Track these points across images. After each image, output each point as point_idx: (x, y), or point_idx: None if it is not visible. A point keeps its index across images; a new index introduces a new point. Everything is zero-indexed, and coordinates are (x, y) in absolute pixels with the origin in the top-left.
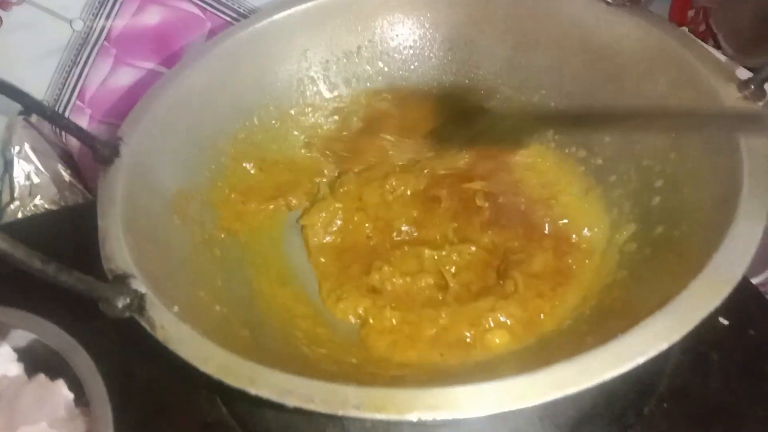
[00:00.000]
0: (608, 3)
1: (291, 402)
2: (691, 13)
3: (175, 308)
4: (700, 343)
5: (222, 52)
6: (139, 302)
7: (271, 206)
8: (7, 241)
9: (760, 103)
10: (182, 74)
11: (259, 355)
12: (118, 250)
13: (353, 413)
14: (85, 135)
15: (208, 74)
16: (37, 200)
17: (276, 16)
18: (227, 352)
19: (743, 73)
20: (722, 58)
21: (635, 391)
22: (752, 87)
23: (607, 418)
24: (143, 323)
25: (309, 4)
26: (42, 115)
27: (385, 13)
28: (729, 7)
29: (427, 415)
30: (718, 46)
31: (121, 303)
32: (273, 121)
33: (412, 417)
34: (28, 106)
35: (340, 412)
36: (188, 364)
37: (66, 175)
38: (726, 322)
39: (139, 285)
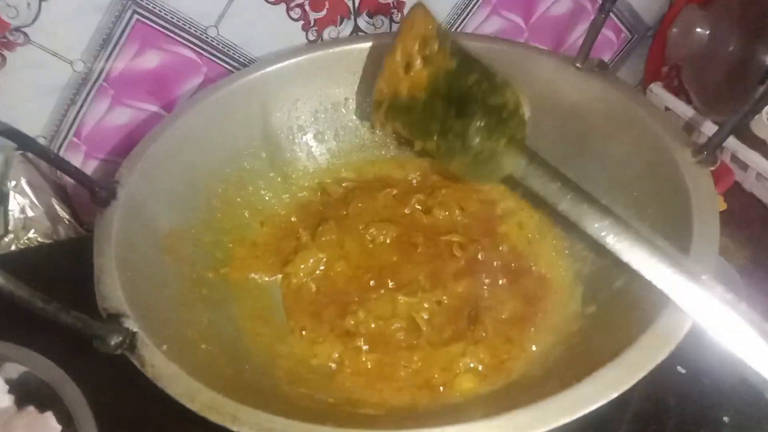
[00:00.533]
0: (577, 67)
1: None
2: (665, 69)
3: (164, 347)
4: (659, 390)
5: (217, 99)
6: (130, 340)
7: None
8: (11, 282)
9: (712, 168)
10: (179, 120)
11: (242, 392)
12: (112, 289)
13: None
14: (86, 179)
15: (203, 120)
16: (31, 234)
17: (269, 68)
18: (212, 390)
19: (710, 128)
20: (689, 113)
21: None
22: (705, 153)
23: None
24: (134, 361)
25: (301, 58)
26: (45, 158)
27: (373, 68)
28: (699, 66)
29: None
30: (689, 101)
31: (113, 341)
32: (263, 168)
33: None
34: (34, 150)
35: None
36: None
37: (59, 210)
38: (683, 371)
39: (131, 324)
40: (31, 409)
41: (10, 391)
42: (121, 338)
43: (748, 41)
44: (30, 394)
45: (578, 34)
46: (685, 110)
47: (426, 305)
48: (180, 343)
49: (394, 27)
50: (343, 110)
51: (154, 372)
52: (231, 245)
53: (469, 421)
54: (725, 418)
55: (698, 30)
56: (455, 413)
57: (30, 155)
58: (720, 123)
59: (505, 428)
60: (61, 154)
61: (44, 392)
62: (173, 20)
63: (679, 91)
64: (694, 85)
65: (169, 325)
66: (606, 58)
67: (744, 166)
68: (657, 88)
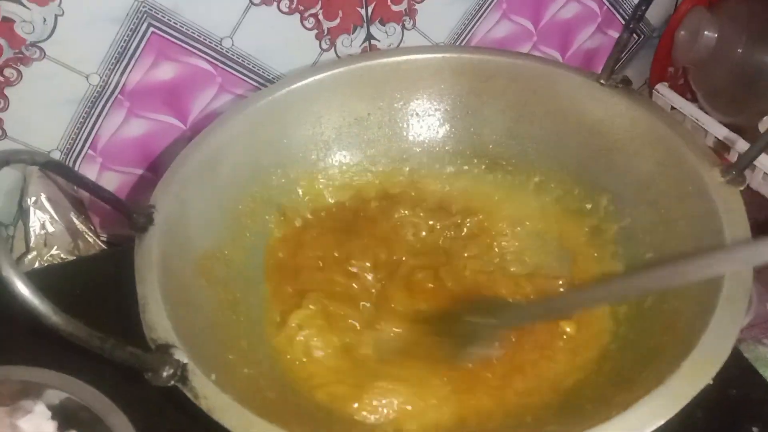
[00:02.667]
0: (602, 84)
1: None
2: (671, 69)
3: (213, 376)
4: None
5: (242, 119)
6: (182, 372)
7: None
8: (71, 324)
9: (740, 188)
10: (207, 140)
11: (288, 417)
12: (159, 318)
13: None
14: (122, 205)
15: (230, 140)
16: (54, 250)
17: (294, 86)
18: (266, 421)
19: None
20: (696, 114)
21: None
22: (733, 173)
23: None
24: (187, 393)
25: (323, 75)
26: (85, 188)
27: (394, 83)
28: (707, 69)
29: None
30: (695, 100)
31: (165, 373)
32: (289, 184)
33: None
34: (75, 181)
35: None
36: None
37: (78, 224)
38: (710, 381)
39: (180, 355)
40: None
41: (53, 417)
42: (172, 370)
43: (757, 44)
44: (71, 418)
45: (585, 37)
46: (692, 110)
47: None
48: (225, 370)
49: (406, 34)
50: (366, 124)
51: (208, 404)
52: (262, 263)
53: None
54: (754, 429)
55: (706, 33)
56: None
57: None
58: (730, 125)
59: None
60: (77, 167)
61: (84, 417)
62: (188, 32)
63: (684, 91)
64: (702, 88)
65: (211, 351)
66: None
67: (752, 167)
68: (663, 89)
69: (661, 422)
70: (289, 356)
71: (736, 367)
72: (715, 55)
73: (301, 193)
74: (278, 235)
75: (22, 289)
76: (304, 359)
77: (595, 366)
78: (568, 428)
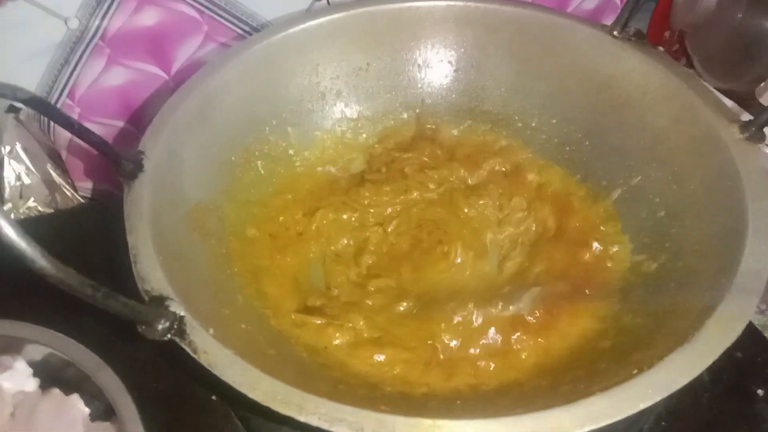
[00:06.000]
0: (614, 36)
1: (341, 430)
2: (666, 34)
3: (211, 330)
4: None
5: (237, 64)
6: (179, 325)
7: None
8: (61, 270)
9: (760, 145)
10: (198, 87)
11: (292, 375)
12: (152, 269)
13: None
14: (110, 149)
15: (222, 86)
16: (30, 203)
17: (290, 30)
18: (273, 377)
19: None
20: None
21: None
22: (753, 129)
23: None
24: (185, 347)
25: (322, 19)
26: (69, 128)
27: (395, 33)
28: (704, 34)
29: None
30: (690, 66)
31: (161, 326)
32: (285, 135)
33: None
34: (58, 119)
35: None
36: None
37: (55, 176)
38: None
39: (177, 307)
40: (56, 392)
41: (35, 375)
42: (168, 323)
43: (757, 9)
44: (52, 376)
45: None
46: None
47: None
48: (222, 325)
49: None
50: (365, 75)
51: (209, 359)
52: (256, 217)
53: (551, 408)
54: (759, 391)
55: None
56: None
57: (23, 118)
58: (726, 91)
59: (579, 416)
60: None
61: (69, 374)
62: None
63: (679, 56)
64: (699, 53)
65: (207, 305)
66: (609, 21)
67: None
68: None
69: (687, 381)
70: None
71: (743, 332)
72: (713, 20)
73: (295, 146)
74: (271, 191)
75: (7, 229)
76: None
77: (609, 325)
78: (584, 386)
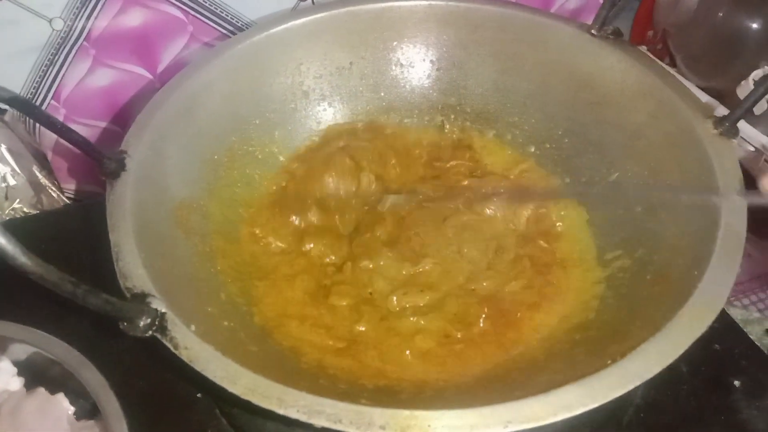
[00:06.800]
0: (593, 34)
1: (319, 422)
2: (650, 33)
3: (192, 327)
4: None
5: (220, 63)
6: (160, 321)
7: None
8: (41, 266)
9: (734, 140)
10: (182, 86)
11: (274, 372)
12: (134, 267)
13: None
14: (92, 149)
15: (206, 85)
16: (16, 204)
17: (273, 30)
18: (253, 372)
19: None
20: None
21: (615, 402)
22: (727, 124)
23: (590, 429)
24: (167, 343)
25: (305, 19)
26: (52, 129)
27: (377, 32)
28: (686, 33)
29: None
30: (673, 64)
31: (142, 323)
32: (268, 134)
33: None
34: (40, 119)
35: None
36: (195, 377)
37: (41, 177)
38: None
39: (158, 304)
40: (41, 390)
41: (19, 374)
42: (149, 320)
43: (738, 8)
44: (37, 375)
45: None
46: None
47: None
48: (205, 322)
49: None
50: (348, 75)
51: (189, 354)
52: (240, 215)
53: (526, 398)
54: (736, 383)
55: None
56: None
57: (8, 120)
58: (708, 89)
59: (553, 404)
60: None
61: (54, 373)
62: None
63: (663, 55)
64: (682, 51)
65: (189, 302)
66: (590, 20)
67: None
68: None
69: (659, 369)
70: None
71: (720, 323)
72: (696, 19)
73: (279, 144)
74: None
75: None
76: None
77: (584, 317)
78: (561, 377)
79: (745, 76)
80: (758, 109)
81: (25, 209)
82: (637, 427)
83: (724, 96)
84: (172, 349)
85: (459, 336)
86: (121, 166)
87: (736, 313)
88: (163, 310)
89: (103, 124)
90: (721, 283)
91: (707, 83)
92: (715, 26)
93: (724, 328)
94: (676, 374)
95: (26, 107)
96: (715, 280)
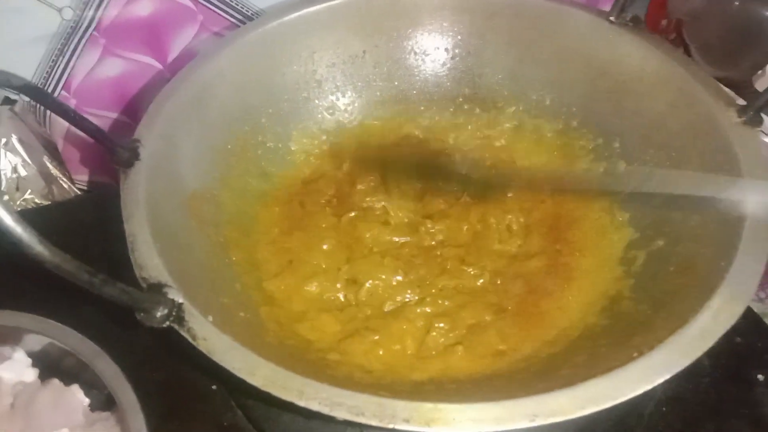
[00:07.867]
0: (611, 21)
1: (341, 415)
2: (664, 22)
3: (210, 317)
4: None
5: (232, 52)
6: (177, 312)
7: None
8: (58, 255)
9: (758, 129)
10: (193, 75)
11: (292, 363)
12: (149, 257)
13: (403, 426)
14: (106, 137)
15: (217, 75)
16: (27, 195)
17: (286, 18)
18: (272, 363)
19: None
20: None
21: (639, 396)
22: (751, 113)
23: (612, 421)
24: (184, 334)
25: (319, 7)
26: (66, 117)
27: (392, 20)
28: (701, 22)
29: (474, 428)
30: (687, 54)
31: (159, 313)
32: (281, 123)
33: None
34: (54, 108)
35: (390, 425)
36: (211, 368)
37: (52, 168)
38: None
39: (175, 294)
40: (56, 382)
41: (33, 365)
42: (166, 310)
43: None
44: (52, 366)
45: None
46: None
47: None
48: (221, 313)
49: None
50: (361, 63)
51: (208, 345)
52: (252, 205)
53: (551, 391)
54: (759, 376)
55: None
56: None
57: (18, 110)
58: (723, 79)
59: (580, 398)
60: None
61: (69, 364)
62: None
63: (677, 44)
64: (697, 41)
65: (205, 293)
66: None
67: None
68: None
69: (688, 363)
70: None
71: (742, 316)
72: (710, 8)
73: (293, 135)
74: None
75: (3, 216)
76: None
77: (606, 308)
78: (584, 370)
79: (762, 66)
80: None
81: (36, 200)
82: (658, 419)
83: (740, 86)
84: (190, 340)
85: (483, 327)
86: (135, 155)
87: (754, 307)
88: (180, 301)
89: (113, 115)
90: (750, 274)
91: (722, 73)
92: (730, 15)
93: (746, 321)
94: (697, 367)
95: (39, 95)
96: (743, 270)
